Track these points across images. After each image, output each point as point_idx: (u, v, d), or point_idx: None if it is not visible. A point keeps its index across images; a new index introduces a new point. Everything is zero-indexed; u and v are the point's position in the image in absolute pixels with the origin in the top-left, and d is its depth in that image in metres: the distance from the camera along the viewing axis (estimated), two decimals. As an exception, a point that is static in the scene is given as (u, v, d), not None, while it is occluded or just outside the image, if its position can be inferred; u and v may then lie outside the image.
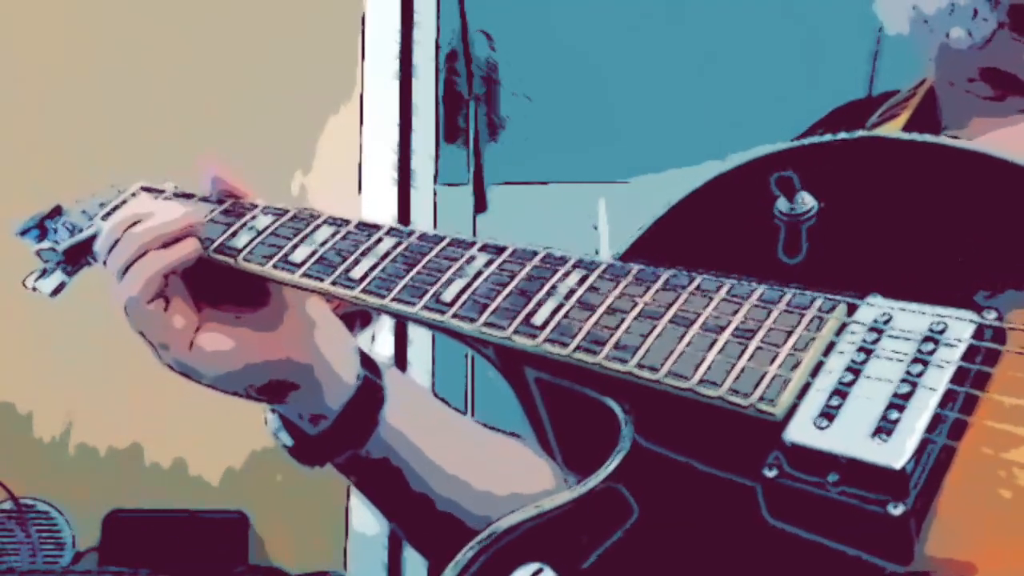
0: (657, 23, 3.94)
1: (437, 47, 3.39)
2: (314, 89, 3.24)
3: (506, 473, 1.04)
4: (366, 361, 1.03)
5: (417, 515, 1.06)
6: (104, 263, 0.98)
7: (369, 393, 1.02)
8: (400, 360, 3.05)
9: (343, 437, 1.01)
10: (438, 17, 3.42)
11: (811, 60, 3.73)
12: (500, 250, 0.89)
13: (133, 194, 1.08)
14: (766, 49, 3.88)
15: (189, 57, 3.26)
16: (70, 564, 2.89)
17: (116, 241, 0.97)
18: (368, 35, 3.29)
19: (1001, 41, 1.00)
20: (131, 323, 0.95)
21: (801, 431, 0.71)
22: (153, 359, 0.98)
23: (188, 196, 1.05)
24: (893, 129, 1.10)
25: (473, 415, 1.15)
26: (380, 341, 2.95)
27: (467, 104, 3.40)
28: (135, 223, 0.97)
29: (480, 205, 3.37)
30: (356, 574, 3.01)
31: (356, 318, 1.07)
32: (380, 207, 3.17)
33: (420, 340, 3.09)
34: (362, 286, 0.91)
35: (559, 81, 3.91)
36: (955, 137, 1.02)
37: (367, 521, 2.98)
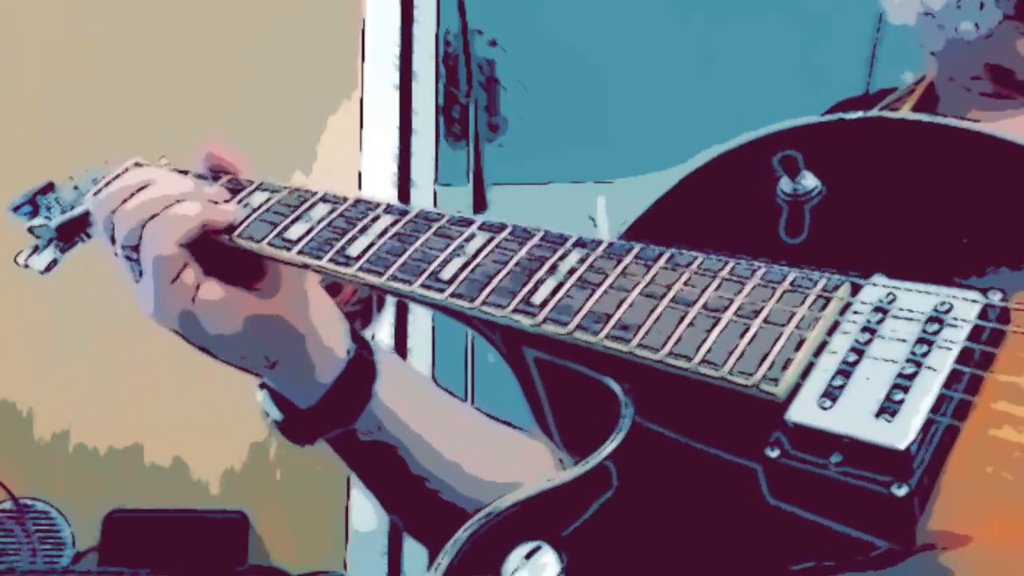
0: (656, 23, 3.94)
1: (437, 47, 3.39)
2: (314, 89, 3.24)
3: (504, 457, 1.03)
4: (356, 338, 1.02)
5: (413, 499, 1.05)
6: (112, 223, 0.97)
7: (360, 368, 1.01)
8: (400, 353, 3.05)
9: (333, 412, 1.00)
10: (438, 17, 3.42)
11: (809, 60, 3.73)
12: (499, 228, 0.88)
13: (126, 169, 1.07)
14: (765, 49, 3.88)
15: (189, 57, 3.27)
16: (70, 564, 2.89)
17: (124, 200, 0.96)
18: (368, 35, 3.29)
19: (1006, 34, 1.00)
20: (147, 274, 0.95)
21: (804, 411, 0.70)
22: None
23: (183, 173, 1.04)
24: None
25: (472, 406, 1.14)
26: (380, 337, 2.95)
27: (467, 104, 3.40)
28: (144, 187, 0.97)
29: (480, 205, 3.37)
30: (356, 574, 3.01)
31: (356, 317, 1.07)
32: (380, 207, 3.16)
33: (420, 333, 3.09)
34: (359, 264, 0.90)
35: (559, 81, 3.90)
36: None
37: (367, 521, 2.98)
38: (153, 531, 2.91)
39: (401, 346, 3.07)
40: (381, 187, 3.23)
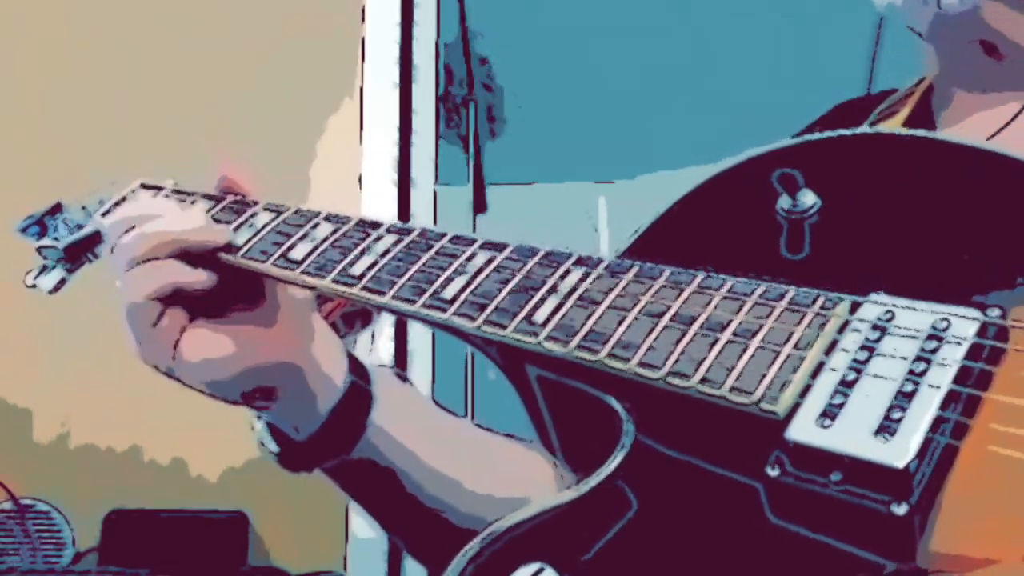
0: (657, 23, 3.94)
1: (437, 47, 3.39)
2: (314, 89, 3.24)
3: (506, 476, 1.03)
4: (354, 365, 1.01)
5: (413, 521, 1.04)
6: (111, 250, 0.96)
7: (356, 398, 0.99)
8: (400, 364, 3.05)
9: (329, 443, 0.99)
10: (438, 17, 3.42)
11: (811, 60, 3.73)
12: (501, 248, 0.88)
13: (132, 191, 1.07)
14: (766, 49, 3.88)
15: (190, 58, 3.27)
16: (70, 564, 2.89)
17: (127, 231, 0.94)
18: (368, 35, 3.29)
19: (993, 9, 1.01)
20: (126, 317, 0.93)
21: (803, 430, 0.70)
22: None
23: (188, 194, 1.04)
24: (892, 126, 1.10)
25: (473, 419, 1.13)
26: (380, 346, 2.95)
27: (466, 104, 3.40)
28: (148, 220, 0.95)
29: (480, 205, 3.37)
30: (356, 574, 3.01)
31: (357, 317, 1.07)
32: (380, 207, 3.17)
33: (420, 344, 3.09)
34: (362, 283, 0.90)
35: (559, 81, 3.91)
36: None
37: (364, 515, 2.98)
38: (153, 531, 2.91)
39: (401, 358, 3.07)
40: (381, 187, 3.23)
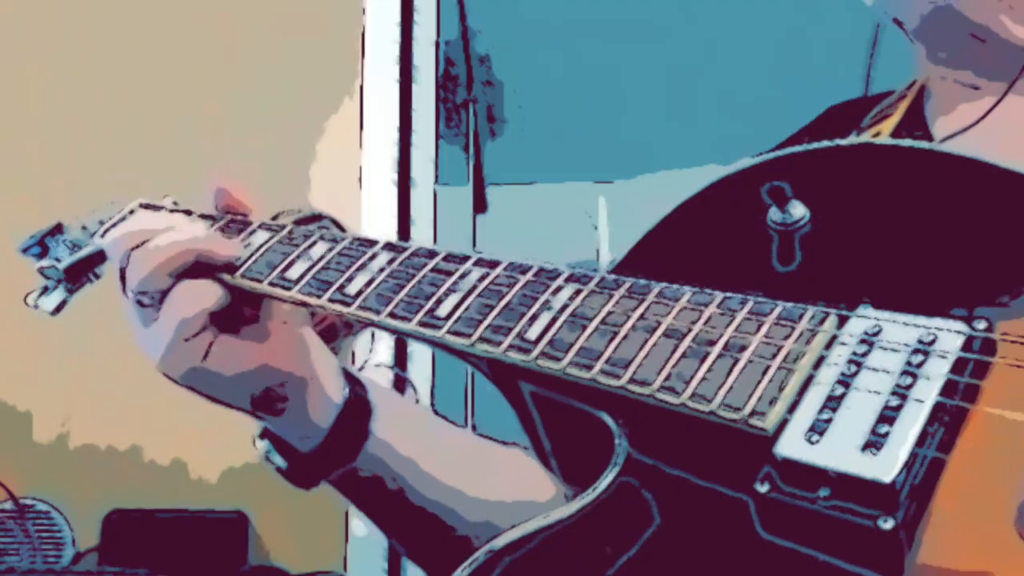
0: (657, 23, 3.94)
1: (437, 47, 3.39)
2: (314, 89, 3.25)
3: (505, 483, 1.04)
4: (349, 378, 1.03)
5: (414, 528, 1.05)
6: (125, 261, 0.96)
7: (357, 406, 1.01)
8: (400, 367, 3.05)
9: (335, 452, 1.00)
10: (438, 17, 3.42)
11: (809, 60, 3.73)
12: (494, 265, 0.89)
13: (132, 211, 1.07)
14: (766, 49, 3.88)
15: (190, 58, 3.27)
16: (70, 564, 2.90)
17: (144, 243, 0.95)
18: (368, 35, 3.29)
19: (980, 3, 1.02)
20: (165, 329, 0.94)
21: (792, 446, 0.71)
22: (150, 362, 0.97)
23: (187, 212, 1.05)
24: (885, 128, 1.10)
25: (473, 426, 1.15)
26: (380, 349, 2.95)
27: (466, 104, 3.39)
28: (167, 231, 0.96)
29: (480, 206, 3.36)
30: (356, 574, 3.02)
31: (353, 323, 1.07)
32: (380, 207, 3.17)
33: (420, 351, 3.09)
34: (358, 302, 0.91)
35: (558, 81, 3.90)
36: (948, 136, 1.03)
37: (367, 521, 2.98)
38: (153, 531, 2.92)
39: (401, 361, 3.07)
40: (381, 187, 3.23)
